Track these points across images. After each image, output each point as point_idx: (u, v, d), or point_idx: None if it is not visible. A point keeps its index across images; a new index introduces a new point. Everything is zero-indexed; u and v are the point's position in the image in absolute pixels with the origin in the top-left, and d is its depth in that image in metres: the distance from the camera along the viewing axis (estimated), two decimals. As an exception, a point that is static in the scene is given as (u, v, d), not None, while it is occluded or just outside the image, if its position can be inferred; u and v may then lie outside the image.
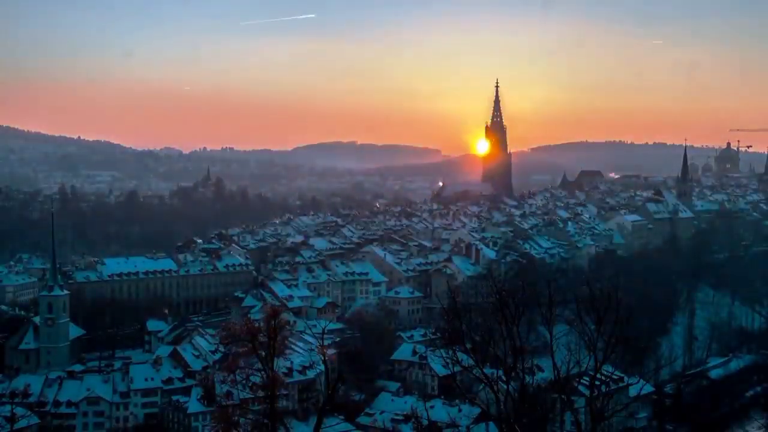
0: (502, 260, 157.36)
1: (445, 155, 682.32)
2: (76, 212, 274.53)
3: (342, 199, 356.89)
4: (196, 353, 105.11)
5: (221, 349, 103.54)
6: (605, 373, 78.06)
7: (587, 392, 41.17)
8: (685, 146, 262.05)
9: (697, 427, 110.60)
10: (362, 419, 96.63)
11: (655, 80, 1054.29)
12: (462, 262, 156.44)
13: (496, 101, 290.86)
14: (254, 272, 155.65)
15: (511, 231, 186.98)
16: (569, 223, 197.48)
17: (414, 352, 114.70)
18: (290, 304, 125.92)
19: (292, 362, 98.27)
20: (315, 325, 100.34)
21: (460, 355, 38.06)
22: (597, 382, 37.89)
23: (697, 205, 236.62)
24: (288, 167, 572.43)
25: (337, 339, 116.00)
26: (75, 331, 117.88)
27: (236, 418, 40.86)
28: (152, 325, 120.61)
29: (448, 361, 40.60)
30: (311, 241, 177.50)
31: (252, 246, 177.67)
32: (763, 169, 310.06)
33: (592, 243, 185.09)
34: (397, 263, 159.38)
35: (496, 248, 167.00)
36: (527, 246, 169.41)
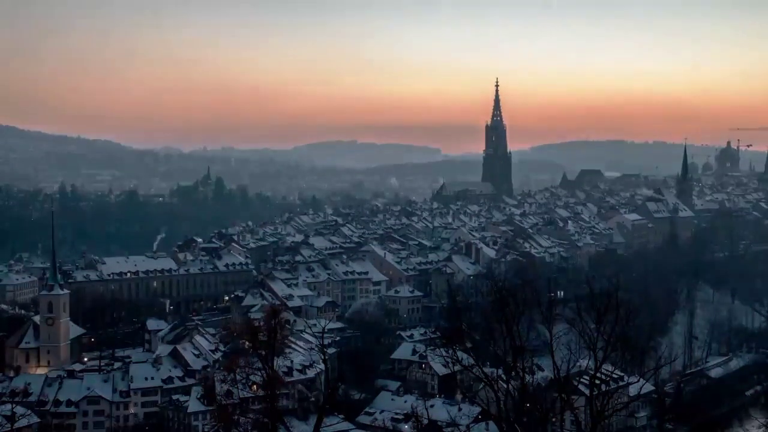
0: (502, 259, 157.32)
1: (445, 154, 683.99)
2: (76, 211, 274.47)
3: (342, 198, 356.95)
4: (197, 352, 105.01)
5: (221, 348, 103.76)
6: (605, 372, 78.14)
7: (587, 391, 41.16)
8: (685, 145, 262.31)
9: (697, 426, 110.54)
10: (362, 418, 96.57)
11: (655, 79, 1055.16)
12: (462, 261, 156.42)
13: (496, 100, 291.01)
14: (254, 271, 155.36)
15: (511, 230, 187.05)
16: (569, 222, 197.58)
17: (414, 351, 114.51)
18: (290, 304, 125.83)
19: (292, 361, 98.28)
20: (315, 325, 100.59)
21: (460, 354, 38.13)
22: (597, 382, 37.89)
23: (697, 204, 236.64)
24: (288, 166, 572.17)
25: (337, 338, 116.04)
26: (75, 331, 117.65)
27: (236, 417, 40.91)
28: (152, 324, 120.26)
29: (448, 360, 40.68)
30: (311, 240, 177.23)
31: (252, 245, 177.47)
32: (763, 168, 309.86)
33: (592, 242, 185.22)
34: (397, 262, 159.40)
35: (496, 247, 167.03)
36: (527, 245, 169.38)
